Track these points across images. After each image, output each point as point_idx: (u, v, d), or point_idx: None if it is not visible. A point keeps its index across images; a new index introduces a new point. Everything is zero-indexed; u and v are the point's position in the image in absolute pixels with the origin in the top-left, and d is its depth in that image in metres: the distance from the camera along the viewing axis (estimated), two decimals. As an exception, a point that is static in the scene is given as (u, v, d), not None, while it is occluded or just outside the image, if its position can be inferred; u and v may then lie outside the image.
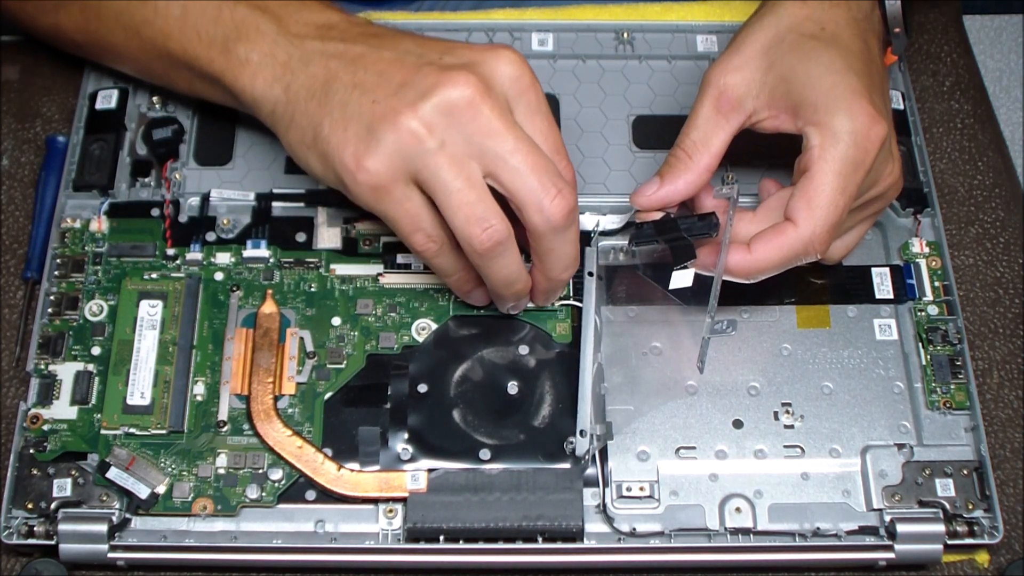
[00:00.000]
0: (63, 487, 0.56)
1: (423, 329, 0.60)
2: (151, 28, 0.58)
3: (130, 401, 0.57)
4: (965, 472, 0.57)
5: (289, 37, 0.55)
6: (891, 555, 0.55)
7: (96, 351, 0.59)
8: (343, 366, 0.59)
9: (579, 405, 0.56)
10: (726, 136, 0.57)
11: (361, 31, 0.55)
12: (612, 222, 0.62)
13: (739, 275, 0.55)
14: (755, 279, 0.56)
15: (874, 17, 0.59)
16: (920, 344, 0.60)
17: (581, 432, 0.55)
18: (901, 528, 0.55)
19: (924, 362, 0.60)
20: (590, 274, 0.59)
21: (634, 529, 0.55)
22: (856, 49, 0.56)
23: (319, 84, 0.53)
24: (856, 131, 0.53)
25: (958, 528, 0.56)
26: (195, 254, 0.61)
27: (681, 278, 0.56)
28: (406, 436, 0.57)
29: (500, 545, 0.55)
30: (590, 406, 0.55)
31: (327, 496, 0.56)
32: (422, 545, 0.55)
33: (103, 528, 0.54)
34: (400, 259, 0.61)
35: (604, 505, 0.56)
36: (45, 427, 0.57)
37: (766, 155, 0.63)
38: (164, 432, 0.57)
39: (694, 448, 0.57)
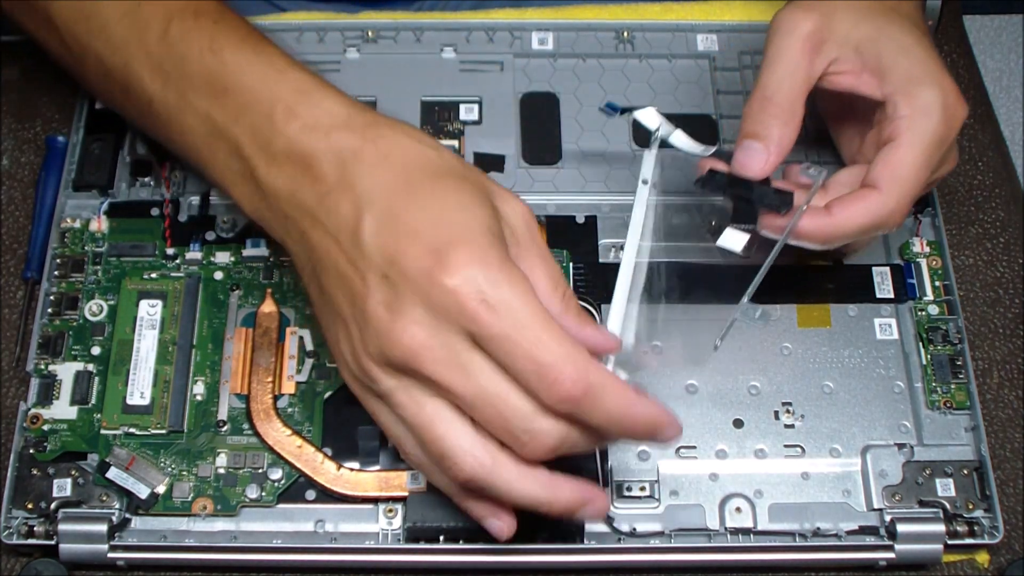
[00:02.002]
0: (63, 487, 0.56)
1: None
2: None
3: (130, 401, 0.57)
4: (965, 472, 0.57)
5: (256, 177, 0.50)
6: (891, 555, 0.55)
7: (96, 351, 0.59)
8: None
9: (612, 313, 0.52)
10: (812, 80, 0.54)
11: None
12: (678, 139, 0.57)
13: (816, 238, 0.54)
14: (830, 245, 0.54)
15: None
16: (920, 344, 0.60)
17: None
18: (901, 528, 0.55)
19: (924, 362, 0.60)
20: (644, 182, 0.56)
21: (634, 529, 0.55)
22: (926, 30, 0.56)
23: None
24: (946, 107, 0.53)
25: (958, 528, 0.56)
26: (195, 254, 0.61)
27: (733, 238, 0.54)
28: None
29: (500, 545, 0.55)
30: (622, 314, 0.52)
31: (327, 496, 0.56)
32: (422, 545, 0.55)
33: (103, 528, 0.54)
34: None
35: (604, 505, 0.56)
36: (45, 427, 0.57)
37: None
38: (164, 432, 0.57)
39: (694, 448, 0.57)
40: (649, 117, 0.57)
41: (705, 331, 0.60)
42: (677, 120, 0.65)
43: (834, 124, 0.62)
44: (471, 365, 0.44)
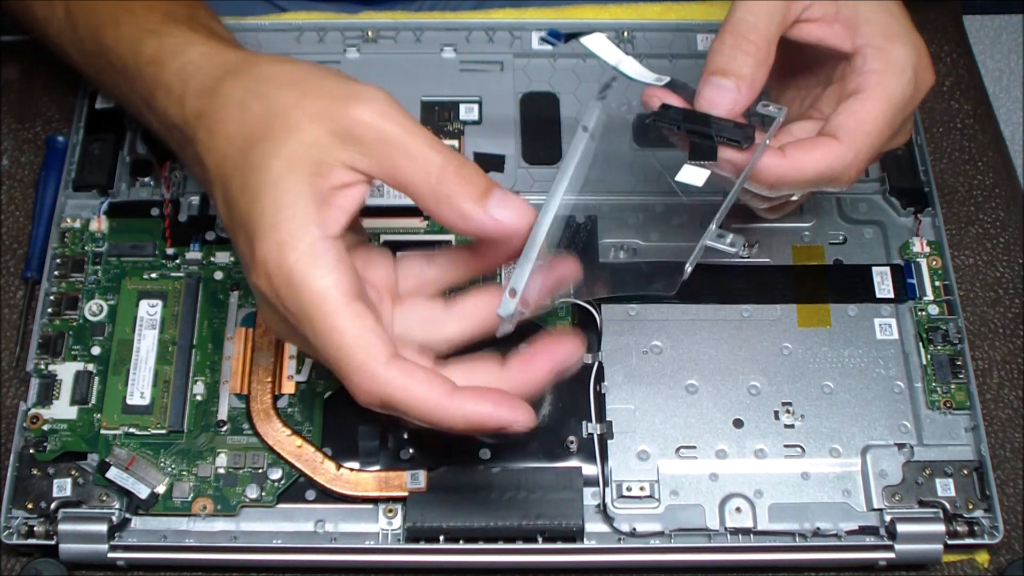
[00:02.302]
0: (63, 487, 0.56)
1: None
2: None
3: (130, 401, 0.57)
4: (965, 472, 0.57)
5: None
6: (891, 555, 0.55)
7: (96, 351, 0.59)
8: None
9: (520, 262, 0.48)
10: (787, 23, 0.51)
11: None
12: (630, 67, 0.55)
13: (767, 180, 0.51)
14: (778, 191, 0.52)
15: None
16: (920, 344, 0.60)
17: (511, 291, 0.47)
18: (901, 528, 0.55)
19: (924, 362, 0.60)
20: (584, 129, 0.52)
21: (634, 529, 0.55)
22: None
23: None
24: (917, 68, 0.51)
25: (958, 528, 0.56)
26: (195, 253, 0.61)
27: (692, 174, 0.51)
28: (406, 435, 0.57)
29: (500, 545, 0.55)
30: (531, 266, 0.48)
31: (327, 496, 0.56)
32: (422, 545, 0.55)
33: (103, 528, 0.54)
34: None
35: (604, 505, 0.56)
36: (45, 427, 0.57)
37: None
38: (164, 432, 0.57)
39: (694, 448, 0.57)
40: (598, 43, 0.54)
41: (701, 331, 0.60)
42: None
43: (784, 78, 0.58)
44: (303, 346, 0.47)
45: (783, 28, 0.51)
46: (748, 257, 0.62)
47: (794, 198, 0.56)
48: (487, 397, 0.45)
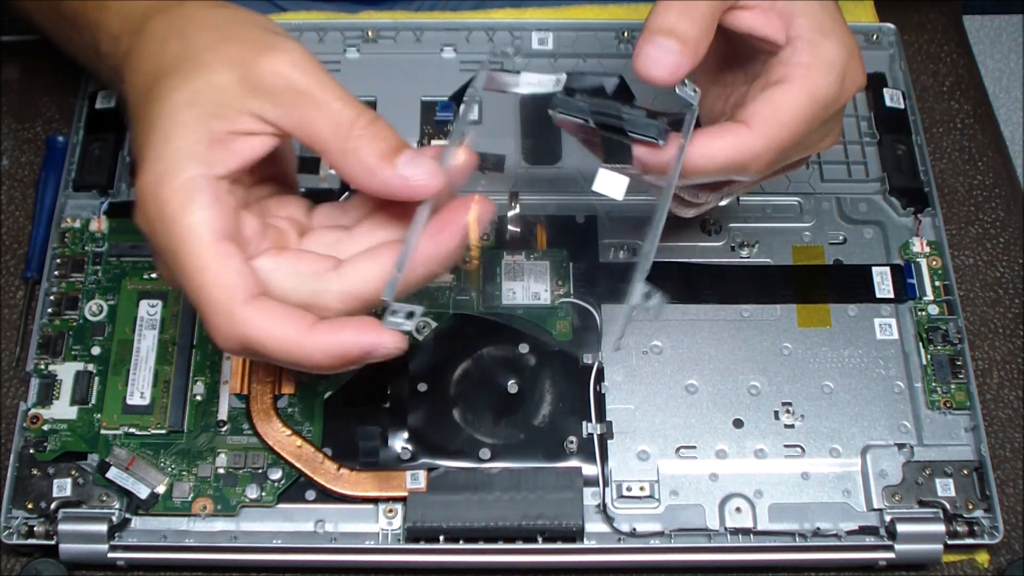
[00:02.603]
0: (63, 487, 0.56)
1: (423, 327, 0.60)
2: None
3: (130, 401, 0.57)
4: (965, 472, 0.57)
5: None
6: (891, 555, 0.55)
7: (96, 351, 0.59)
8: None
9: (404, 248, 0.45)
10: (726, 4, 0.48)
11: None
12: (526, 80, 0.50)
13: (666, 170, 0.47)
14: (684, 182, 0.48)
15: None
16: (920, 344, 0.60)
17: (399, 267, 0.45)
18: (901, 528, 0.55)
19: (924, 362, 0.60)
20: (468, 100, 0.49)
21: (634, 529, 0.55)
22: None
23: None
24: (847, 69, 0.49)
25: (958, 528, 0.56)
26: (195, 254, 0.61)
27: (610, 182, 0.46)
28: (406, 435, 0.57)
29: (500, 545, 0.55)
30: (416, 236, 0.45)
31: (327, 496, 0.56)
32: (422, 545, 0.55)
33: (103, 528, 0.54)
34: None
35: (604, 505, 0.56)
36: (45, 427, 0.57)
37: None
38: (164, 432, 0.57)
39: (694, 448, 0.57)
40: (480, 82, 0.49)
41: (701, 331, 0.60)
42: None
43: (709, 72, 0.54)
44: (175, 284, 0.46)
45: (724, 7, 0.49)
46: (748, 257, 0.62)
47: (707, 201, 0.52)
48: (346, 325, 0.44)
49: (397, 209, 0.48)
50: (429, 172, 0.45)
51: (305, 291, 0.45)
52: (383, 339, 0.44)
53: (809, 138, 0.50)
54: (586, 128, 0.47)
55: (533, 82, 0.49)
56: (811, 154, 0.53)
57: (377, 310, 0.45)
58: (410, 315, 0.43)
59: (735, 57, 0.53)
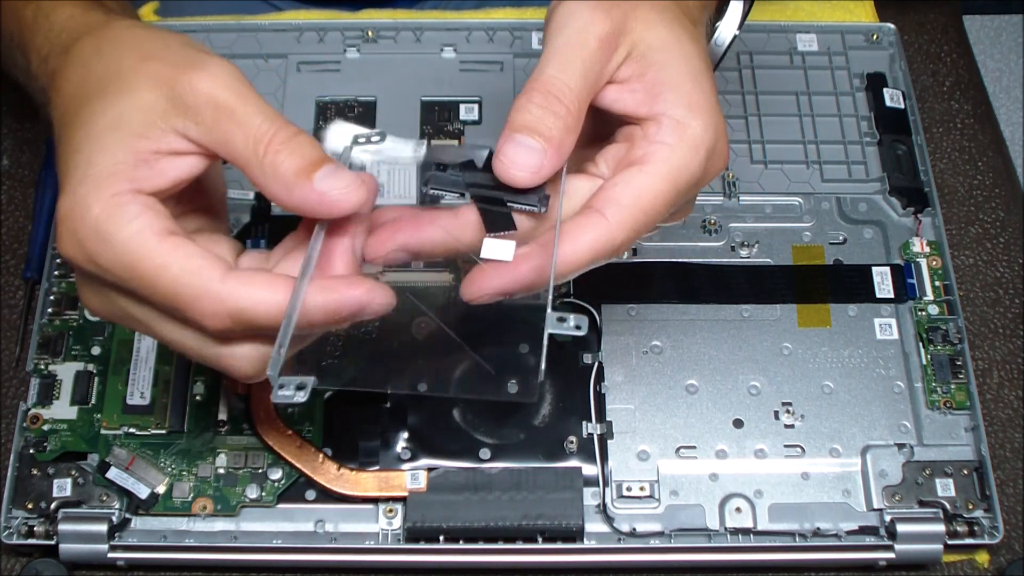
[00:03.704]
0: (63, 487, 0.56)
1: (423, 327, 0.59)
2: None
3: (130, 401, 0.57)
4: (965, 472, 0.57)
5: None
6: (891, 555, 0.55)
7: (96, 351, 0.59)
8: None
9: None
10: (598, 83, 0.45)
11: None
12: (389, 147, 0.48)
13: (536, 284, 0.45)
14: (559, 282, 0.46)
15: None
16: (920, 344, 0.60)
17: (279, 348, 0.42)
18: (901, 528, 0.55)
19: (924, 362, 0.60)
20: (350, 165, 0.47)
21: (634, 529, 0.55)
22: (708, 53, 0.49)
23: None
24: (711, 153, 0.45)
25: (958, 528, 0.56)
26: (195, 254, 0.61)
27: (498, 248, 0.45)
28: (406, 435, 0.57)
29: (500, 545, 0.55)
30: (295, 320, 0.43)
31: (327, 496, 0.56)
32: (422, 545, 0.55)
33: (103, 528, 0.54)
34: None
35: (604, 505, 0.56)
36: (45, 427, 0.57)
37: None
38: (164, 432, 0.57)
39: (694, 448, 0.57)
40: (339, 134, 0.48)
41: (701, 331, 0.60)
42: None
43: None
44: (133, 319, 0.44)
45: (596, 90, 0.45)
46: (748, 257, 0.62)
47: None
48: (334, 284, 0.43)
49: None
50: (347, 186, 0.43)
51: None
52: (375, 296, 0.43)
53: (667, 218, 0.47)
54: (461, 201, 0.46)
55: (400, 148, 0.48)
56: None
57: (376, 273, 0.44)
58: (301, 387, 0.42)
59: (601, 127, 0.48)
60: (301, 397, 0.42)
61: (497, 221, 0.45)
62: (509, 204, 0.45)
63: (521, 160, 0.44)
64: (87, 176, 0.43)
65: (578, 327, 0.44)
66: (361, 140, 0.47)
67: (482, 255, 0.45)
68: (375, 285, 0.43)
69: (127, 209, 0.42)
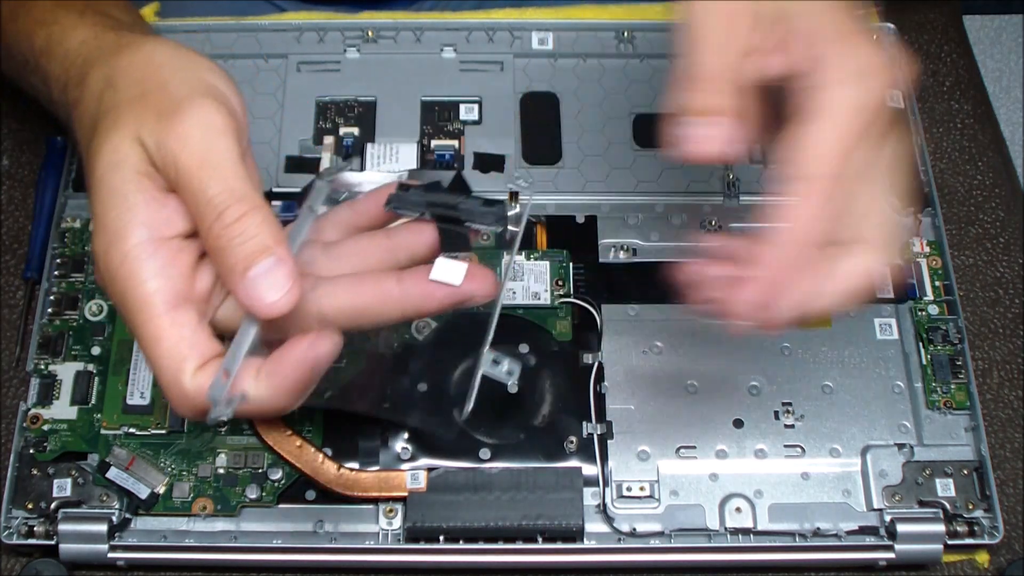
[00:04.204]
0: (63, 487, 0.55)
1: (423, 327, 0.60)
2: None
3: (130, 401, 0.57)
4: (965, 472, 0.57)
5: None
6: (891, 555, 0.55)
7: (96, 351, 0.59)
8: (343, 365, 0.58)
9: (236, 340, 0.43)
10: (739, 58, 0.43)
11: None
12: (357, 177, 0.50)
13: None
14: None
15: None
16: (920, 344, 0.60)
17: (224, 372, 0.43)
18: (901, 528, 0.55)
19: (924, 362, 0.60)
20: (310, 208, 0.47)
21: (634, 529, 0.55)
22: None
23: None
24: (877, 69, 0.44)
25: (958, 528, 0.56)
26: (195, 254, 0.61)
27: (449, 269, 0.45)
28: (406, 435, 0.57)
29: (500, 545, 0.55)
30: (247, 346, 0.43)
31: (327, 496, 0.56)
32: (422, 545, 0.55)
33: (103, 528, 0.54)
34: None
35: (604, 505, 0.56)
36: (45, 427, 0.57)
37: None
38: (164, 432, 0.57)
39: (694, 448, 0.57)
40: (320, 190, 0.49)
41: (700, 331, 0.60)
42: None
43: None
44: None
45: (738, 62, 0.44)
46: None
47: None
48: (283, 354, 0.43)
49: (379, 237, 0.47)
50: (276, 289, 0.42)
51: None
52: (319, 348, 0.43)
53: (870, 164, 0.44)
54: (421, 220, 0.47)
55: (376, 179, 0.49)
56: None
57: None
58: (229, 402, 0.43)
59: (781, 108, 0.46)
60: (228, 414, 0.43)
61: (452, 241, 0.46)
62: (467, 224, 0.46)
63: (714, 135, 0.42)
64: (107, 220, 0.43)
65: (510, 372, 0.45)
66: (332, 171, 0.48)
67: (432, 276, 0.45)
68: (314, 340, 0.43)
69: (146, 267, 0.43)
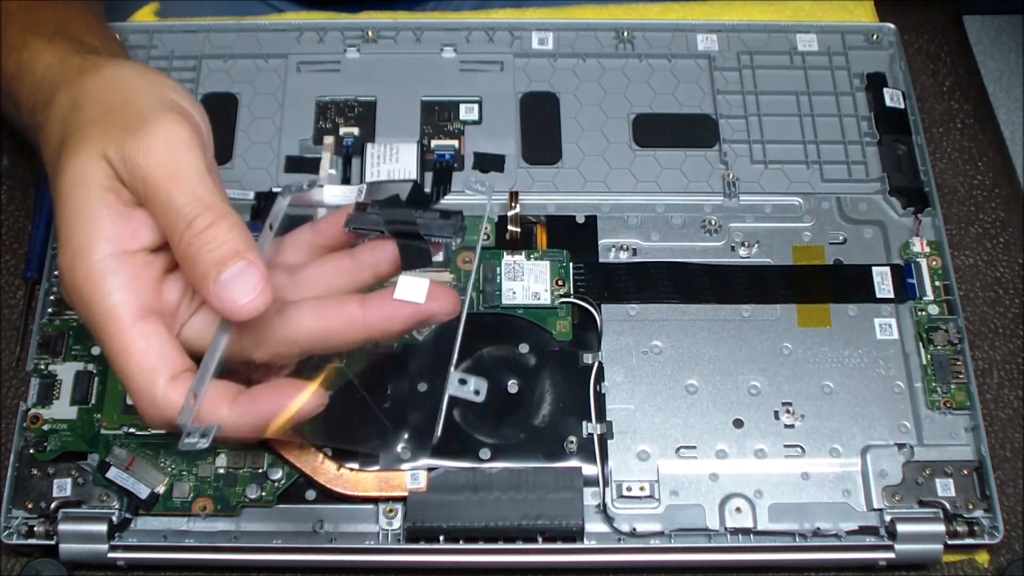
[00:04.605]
0: (63, 487, 0.56)
1: (423, 327, 0.59)
2: None
3: (130, 401, 0.57)
4: (965, 472, 0.57)
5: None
6: (891, 555, 0.55)
7: (96, 351, 0.59)
8: (343, 365, 0.58)
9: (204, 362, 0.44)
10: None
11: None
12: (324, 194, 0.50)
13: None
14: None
15: None
16: (920, 344, 0.60)
17: (194, 394, 0.43)
18: (901, 528, 0.55)
19: (924, 362, 0.60)
20: (270, 227, 0.48)
21: (634, 529, 0.55)
22: None
23: None
24: None
25: (958, 528, 0.56)
26: (195, 254, 0.61)
27: (411, 287, 0.46)
28: (406, 435, 0.57)
29: (500, 545, 0.55)
30: (212, 370, 0.44)
31: (327, 495, 0.56)
32: (422, 545, 0.55)
33: (103, 528, 0.54)
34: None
35: (604, 505, 0.56)
36: (45, 427, 0.57)
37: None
38: (164, 432, 0.57)
39: (694, 448, 0.57)
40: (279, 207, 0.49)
41: (701, 331, 0.60)
42: (677, 119, 0.65)
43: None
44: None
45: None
46: (748, 257, 0.62)
47: None
48: (262, 393, 0.43)
49: (343, 258, 0.48)
50: (248, 291, 0.42)
51: (248, 335, 0.45)
52: (300, 399, 0.44)
53: None
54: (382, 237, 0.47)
55: (336, 194, 0.50)
56: None
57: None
58: (204, 434, 0.43)
59: None
60: (204, 444, 0.43)
61: (413, 257, 0.47)
62: (426, 236, 0.46)
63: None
64: (72, 234, 0.43)
65: (476, 391, 0.46)
66: (292, 190, 0.48)
67: (396, 295, 0.46)
68: (299, 388, 0.44)
69: (110, 279, 0.43)
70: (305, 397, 0.44)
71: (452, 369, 0.46)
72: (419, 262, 0.47)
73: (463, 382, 0.46)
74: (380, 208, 0.47)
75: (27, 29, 0.53)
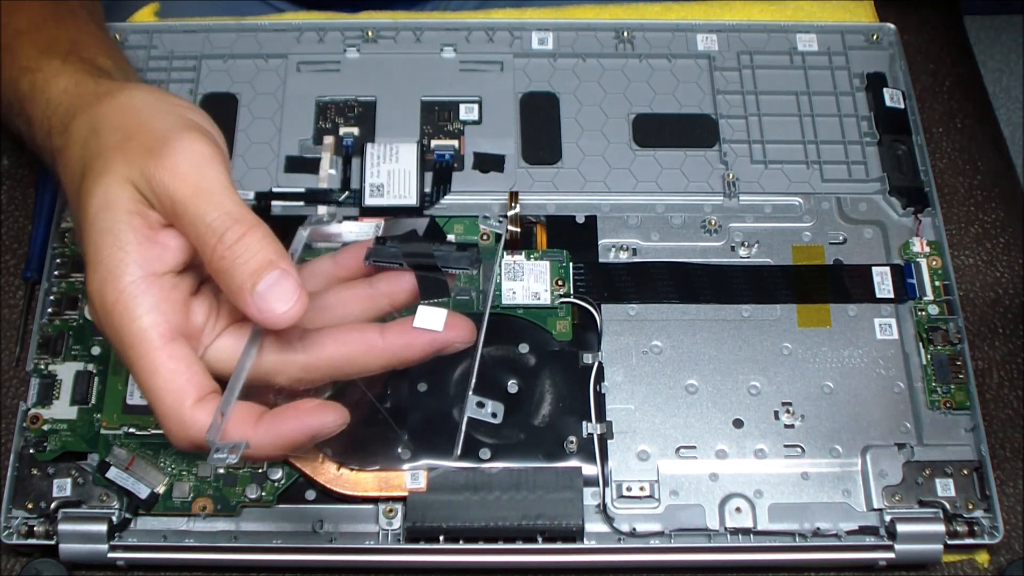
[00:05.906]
0: (63, 487, 0.56)
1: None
2: None
3: (130, 401, 0.57)
4: (965, 472, 0.57)
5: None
6: (891, 555, 0.55)
7: (96, 351, 0.59)
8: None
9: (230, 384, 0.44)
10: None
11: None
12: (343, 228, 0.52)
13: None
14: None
15: None
16: (920, 344, 0.60)
17: (221, 413, 0.43)
18: (901, 528, 0.55)
19: (924, 362, 0.60)
20: (292, 254, 0.48)
21: (634, 529, 0.55)
22: None
23: None
24: None
25: (958, 528, 0.56)
26: (195, 254, 0.61)
27: (430, 317, 0.47)
28: (406, 435, 0.57)
29: (500, 545, 0.55)
30: (239, 390, 0.44)
31: (327, 495, 0.56)
32: (422, 545, 0.55)
33: (103, 528, 0.54)
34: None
35: (604, 505, 0.56)
36: (45, 427, 0.57)
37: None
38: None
39: (694, 448, 0.57)
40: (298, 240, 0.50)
41: (701, 331, 0.60)
42: (677, 119, 0.65)
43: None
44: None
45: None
46: (748, 257, 0.62)
47: None
48: (287, 413, 0.44)
49: (361, 287, 0.48)
50: (285, 300, 0.43)
51: (271, 360, 0.46)
52: (325, 419, 0.44)
53: None
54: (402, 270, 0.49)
55: (355, 231, 0.51)
56: None
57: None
58: (234, 449, 0.43)
59: None
60: (232, 459, 0.43)
61: (431, 288, 0.48)
62: (444, 268, 0.48)
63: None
64: (100, 259, 0.44)
65: (494, 415, 0.47)
66: (312, 222, 0.50)
67: (415, 324, 0.47)
68: (322, 408, 0.44)
69: (139, 302, 0.43)
70: (328, 416, 0.44)
71: (470, 392, 0.48)
72: (437, 293, 0.48)
73: (481, 405, 0.47)
74: (399, 241, 0.49)
75: (40, 50, 0.53)
